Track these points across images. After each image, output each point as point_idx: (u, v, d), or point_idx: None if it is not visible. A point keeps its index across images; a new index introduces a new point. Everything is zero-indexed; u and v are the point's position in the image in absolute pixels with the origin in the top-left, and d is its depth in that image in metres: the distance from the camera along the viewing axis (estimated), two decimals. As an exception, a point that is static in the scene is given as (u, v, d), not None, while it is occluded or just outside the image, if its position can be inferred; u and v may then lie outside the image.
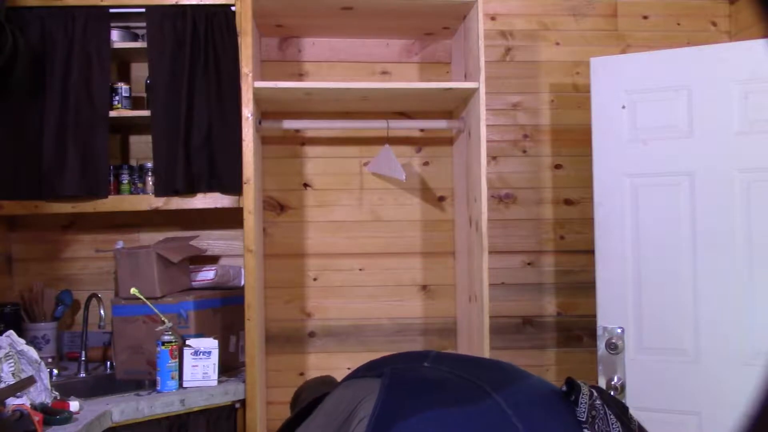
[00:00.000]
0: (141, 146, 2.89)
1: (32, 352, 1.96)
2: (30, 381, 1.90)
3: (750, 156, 2.35)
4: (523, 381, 1.16)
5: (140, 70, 2.85)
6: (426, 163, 2.98)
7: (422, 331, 2.93)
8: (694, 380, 2.37)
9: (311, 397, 1.33)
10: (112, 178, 2.68)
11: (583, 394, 1.08)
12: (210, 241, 2.93)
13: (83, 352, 2.63)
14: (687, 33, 3.02)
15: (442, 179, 2.97)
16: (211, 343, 2.39)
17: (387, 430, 1.04)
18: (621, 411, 1.10)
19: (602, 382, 2.45)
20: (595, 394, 1.10)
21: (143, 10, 2.65)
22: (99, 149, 2.61)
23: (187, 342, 2.38)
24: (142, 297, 2.39)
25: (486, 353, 2.40)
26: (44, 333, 2.68)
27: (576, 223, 2.97)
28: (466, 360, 1.29)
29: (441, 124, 2.86)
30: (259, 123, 2.60)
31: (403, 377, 1.15)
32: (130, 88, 2.72)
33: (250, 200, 2.39)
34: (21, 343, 1.95)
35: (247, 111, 2.39)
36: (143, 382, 2.44)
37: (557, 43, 3.00)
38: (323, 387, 1.50)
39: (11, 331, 1.98)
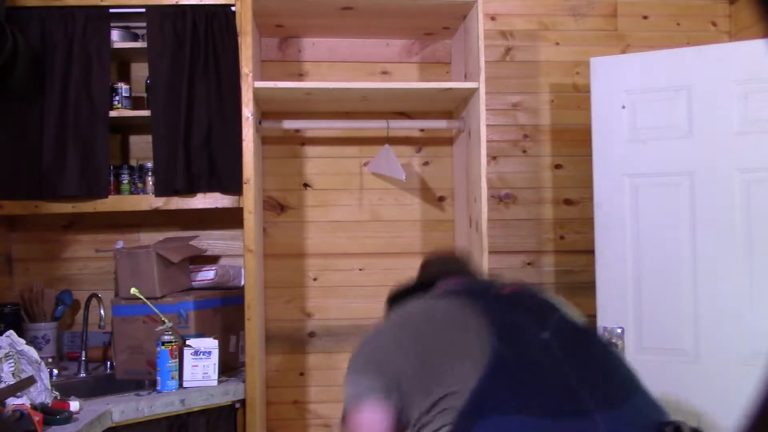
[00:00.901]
0: (141, 146, 2.89)
1: (32, 352, 1.95)
2: (30, 381, 1.90)
3: (750, 156, 2.35)
4: (631, 402, 1.15)
5: (140, 70, 2.85)
6: (426, 163, 2.98)
7: (422, 331, 2.93)
8: (694, 380, 2.37)
9: (436, 271, 1.37)
10: (112, 178, 2.68)
11: None
12: (210, 241, 2.92)
13: (83, 352, 2.63)
14: (687, 33, 3.02)
15: (442, 179, 2.97)
16: (211, 343, 2.38)
17: (475, 420, 1.05)
18: None
19: (602, 382, 2.45)
20: None
21: (143, 10, 2.65)
22: (99, 149, 2.61)
23: (187, 342, 2.37)
24: (142, 297, 2.39)
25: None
26: (44, 333, 2.68)
27: (576, 223, 2.97)
28: (585, 349, 1.25)
29: (441, 124, 2.86)
30: (259, 123, 2.60)
31: (508, 362, 1.14)
32: (130, 88, 2.71)
33: (250, 200, 2.39)
34: (21, 343, 1.95)
35: (247, 111, 2.39)
36: (143, 382, 2.44)
37: (557, 43, 3.00)
38: (450, 264, 1.54)
39: (11, 331, 1.98)
